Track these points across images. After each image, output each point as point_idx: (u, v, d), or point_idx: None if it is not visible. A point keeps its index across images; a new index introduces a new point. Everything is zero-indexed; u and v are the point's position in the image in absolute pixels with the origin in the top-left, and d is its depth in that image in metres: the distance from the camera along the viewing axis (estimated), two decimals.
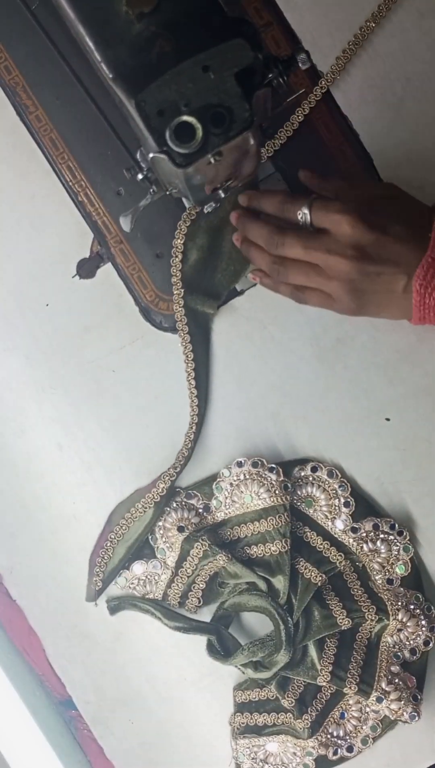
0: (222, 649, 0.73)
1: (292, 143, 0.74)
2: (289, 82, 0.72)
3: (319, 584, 0.71)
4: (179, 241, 0.72)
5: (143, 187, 0.62)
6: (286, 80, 0.54)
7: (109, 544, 0.74)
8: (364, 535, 0.73)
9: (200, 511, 0.74)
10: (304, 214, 0.66)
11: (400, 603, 0.72)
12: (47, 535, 0.76)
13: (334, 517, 0.73)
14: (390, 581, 0.73)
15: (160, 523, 0.74)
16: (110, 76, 0.54)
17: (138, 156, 0.60)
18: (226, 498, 0.73)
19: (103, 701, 0.76)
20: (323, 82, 0.73)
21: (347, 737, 0.73)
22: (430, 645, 0.72)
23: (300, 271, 0.67)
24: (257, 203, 0.70)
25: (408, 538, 0.73)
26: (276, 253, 0.68)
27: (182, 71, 0.51)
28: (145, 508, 0.73)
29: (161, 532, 0.74)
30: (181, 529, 0.72)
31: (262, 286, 0.72)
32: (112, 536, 0.74)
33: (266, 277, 0.71)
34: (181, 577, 0.73)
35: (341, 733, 0.73)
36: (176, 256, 0.72)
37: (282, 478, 0.72)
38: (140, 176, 0.60)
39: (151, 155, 0.53)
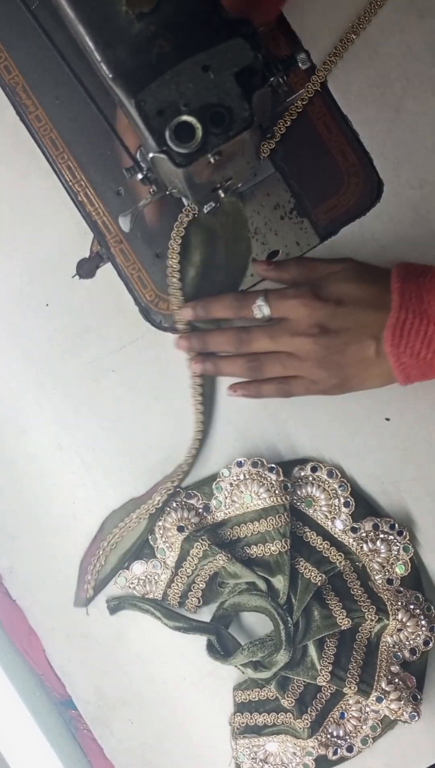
0: (222, 649, 0.73)
1: (292, 143, 0.74)
2: (289, 82, 0.72)
3: (319, 584, 0.71)
4: (175, 243, 0.72)
5: (143, 186, 0.62)
6: (285, 80, 0.54)
7: (101, 552, 0.74)
8: (364, 535, 0.73)
9: (200, 510, 0.74)
10: (259, 306, 0.68)
11: (399, 603, 0.72)
12: (47, 535, 0.76)
13: (334, 517, 0.73)
14: (390, 581, 0.73)
15: (160, 523, 0.74)
16: (110, 76, 0.54)
17: (138, 156, 0.60)
18: (226, 498, 0.73)
19: (103, 701, 0.76)
20: (317, 76, 0.73)
21: (347, 737, 0.73)
22: (430, 645, 0.72)
23: (275, 361, 0.69)
24: (205, 311, 0.71)
25: (408, 538, 0.73)
26: (245, 350, 0.69)
27: (182, 71, 0.51)
28: (140, 518, 0.73)
29: (161, 531, 0.74)
30: (180, 529, 0.72)
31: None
32: (105, 545, 0.74)
33: (243, 388, 0.72)
34: (181, 577, 0.73)
35: (341, 733, 0.73)
36: (172, 258, 0.72)
37: (282, 478, 0.72)
38: (140, 176, 0.60)
39: (150, 155, 0.53)
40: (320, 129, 0.75)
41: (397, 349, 0.64)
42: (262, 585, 0.72)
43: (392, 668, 0.71)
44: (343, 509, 0.73)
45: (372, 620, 0.72)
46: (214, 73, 0.51)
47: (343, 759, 0.73)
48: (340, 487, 0.73)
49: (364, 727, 0.73)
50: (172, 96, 0.51)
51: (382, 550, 0.72)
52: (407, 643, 0.72)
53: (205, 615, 0.75)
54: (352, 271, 0.69)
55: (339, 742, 0.73)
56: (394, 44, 0.74)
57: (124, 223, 0.66)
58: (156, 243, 0.75)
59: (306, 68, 0.57)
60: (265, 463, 0.73)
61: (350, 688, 0.70)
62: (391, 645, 0.72)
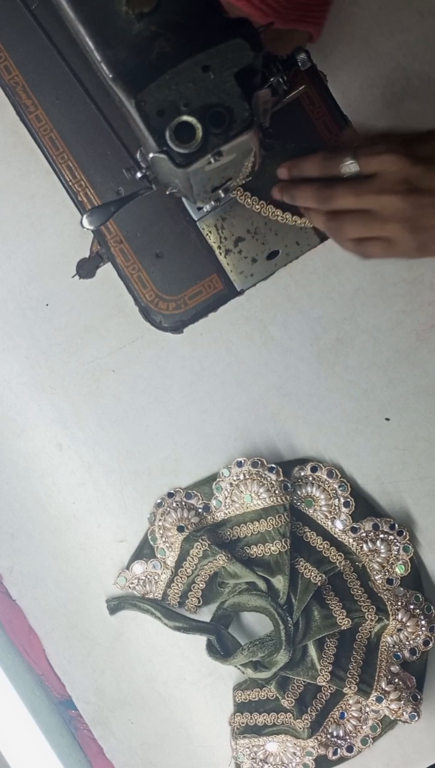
0: (222, 649, 0.73)
1: (292, 143, 0.73)
2: (289, 82, 0.72)
3: (319, 584, 0.71)
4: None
5: (143, 186, 0.61)
6: (285, 80, 0.54)
7: None
8: (364, 535, 0.73)
9: (200, 510, 0.74)
10: (349, 164, 0.65)
11: (399, 603, 0.72)
12: (47, 535, 0.76)
13: (334, 517, 0.73)
14: (390, 581, 0.73)
15: (160, 523, 0.74)
16: (110, 76, 0.53)
17: (138, 156, 0.60)
18: (226, 498, 0.73)
19: (103, 701, 0.76)
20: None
21: (347, 737, 0.73)
22: (430, 645, 0.72)
23: (356, 220, 0.66)
24: (298, 170, 0.69)
25: (408, 537, 0.73)
26: (328, 208, 0.67)
27: (182, 71, 0.51)
28: None
29: (161, 531, 0.74)
30: (180, 529, 0.72)
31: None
32: None
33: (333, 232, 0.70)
34: (181, 577, 0.73)
35: (341, 733, 0.73)
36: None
37: (282, 478, 0.72)
38: (139, 175, 0.60)
39: (150, 155, 0.53)
40: (320, 129, 0.75)
41: None
42: (262, 585, 0.72)
43: (392, 668, 0.71)
44: (343, 509, 0.73)
45: (372, 620, 0.72)
46: (215, 73, 0.51)
47: (343, 759, 0.73)
48: (340, 487, 0.73)
49: (364, 727, 0.73)
50: (173, 96, 0.51)
51: (382, 550, 0.72)
52: (407, 643, 0.72)
53: (205, 615, 0.75)
54: None
55: (339, 742, 0.73)
56: (394, 44, 0.74)
57: (89, 222, 0.65)
58: (156, 243, 0.75)
59: (306, 68, 0.56)
60: (265, 463, 0.73)
61: (350, 688, 0.70)
62: (391, 645, 0.72)
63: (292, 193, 0.70)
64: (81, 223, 0.65)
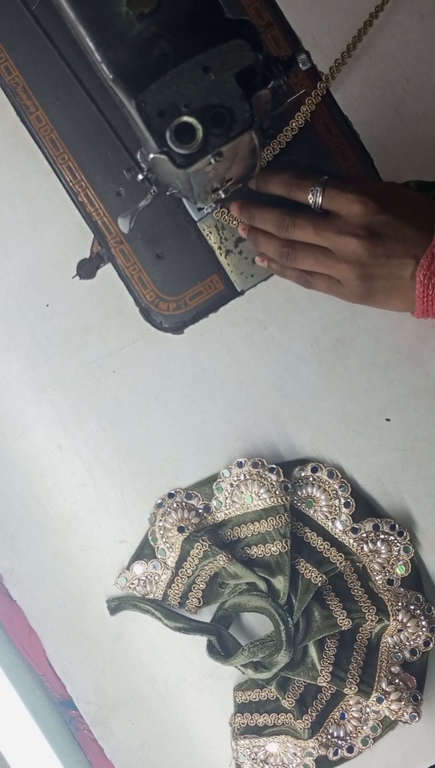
0: (222, 649, 0.73)
1: (292, 143, 0.74)
2: (290, 83, 0.72)
3: (320, 585, 0.71)
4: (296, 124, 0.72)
5: (143, 187, 0.61)
6: (286, 81, 0.54)
7: None
8: (365, 535, 0.73)
9: (200, 511, 0.74)
10: (316, 191, 0.66)
11: (400, 603, 0.72)
12: (47, 535, 0.76)
13: (335, 518, 0.73)
14: (390, 582, 0.73)
15: (161, 524, 0.74)
16: (110, 76, 0.53)
17: (138, 156, 0.60)
18: (227, 498, 0.73)
19: (103, 701, 0.76)
20: (322, 84, 0.73)
21: (347, 738, 0.73)
22: (431, 645, 0.72)
23: (310, 254, 0.67)
24: (265, 182, 0.69)
25: (408, 538, 0.73)
26: (285, 236, 0.67)
27: (183, 72, 0.50)
28: None
29: (161, 532, 0.74)
30: (181, 530, 0.72)
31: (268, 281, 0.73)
32: None
33: (272, 262, 0.71)
34: (182, 578, 0.73)
35: (341, 734, 0.73)
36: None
37: (282, 478, 0.72)
38: (140, 177, 0.60)
39: (151, 156, 0.53)
40: (320, 129, 0.75)
41: (429, 280, 0.63)
42: (262, 585, 0.72)
43: (393, 669, 0.71)
44: (344, 510, 0.73)
45: (372, 621, 0.72)
46: (215, 73, 0.51)
47: (343, 759, 0.73)
48: (340, 487, 0.73)
49: (364, 728, 0.73)
50: (173, 97, 0.51)
51: (383, 551, 0.72)
52: (408, 643, 0.72)
53: (206, 615, 0.75)
54: (407, 194, 0.67)
55: (339, 742, 0.73)
56: (394, 44, 0.74)
57: (123, 225, 0.66)
58: (156, 244, 0.75)
59: (306, 69, 0.56)
60: (266, 463, 0.73)
61: (351, 688, 0.70)
62: (391, 645, 0.72)
63: (251, 212, 0.70)
64: (118, 226, 0.66)
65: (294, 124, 0.73)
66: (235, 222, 0.73)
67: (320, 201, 0.66)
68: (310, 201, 0.66)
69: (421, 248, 0.63)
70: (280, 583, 0.71)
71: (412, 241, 0.63)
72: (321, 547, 0.73)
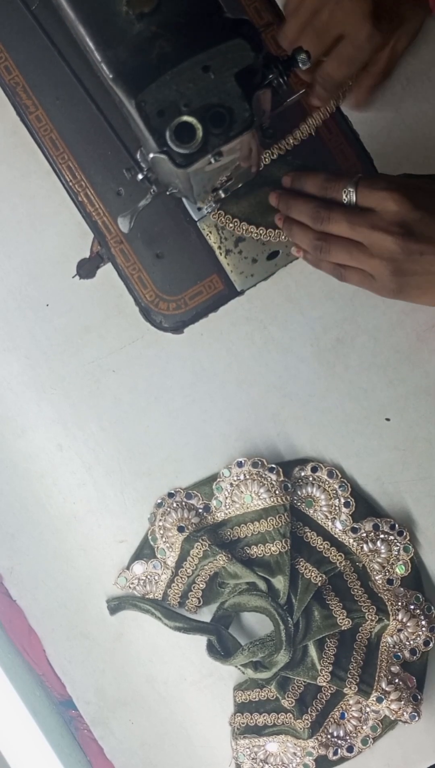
0: (222, 649, 0.73)
1: (299, 159, 0.73)
2: (290, 82, 0.72)
3: (319, 584, 0.71)
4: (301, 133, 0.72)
5: (143, 187, 0.61)
6: (286, 80, 0.54)
7: None
8: (364, 535, 0.73)
9: (200, 511, 0.74)
10: (349, 192, 0.66)
11: (400, 603, 0.72)
12: (47, 535, 0.76)
13: (334, 518, 0.73)
14: (390, 581, 0.73)
15: (160, 523, 0.74)
16: (110, 76, 0.53)
17: (138, 156, 0.60)
18: (227, 498, 0.73)
19: (103, 701, 0.76)
20: (333, 102, 0.73)
21: (347, 737, 0.73)
22: (430, 645, 0.72)
23: (343, 248, 0.67)
24: (300, 183, 0.70)
25: (408, 538, 0.73)
26: (320, 229, 0.67)
27: (182, 71, 0.50)
28: None
29: (161, 532, 0.74)
30: (181, 529, 0.72)
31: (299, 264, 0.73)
32: None
33: (307, 254, 0.71)
34: (181, 577, 0.73)
35: (341, 733, 0.73)
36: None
37: (282, 478, 0.72)
38: (140, 176, 0.60)
39: (151, 155, 0.53)
40: (320, 129, 0.74)
41: None
42: (262, 585, 0.72)
43: (392, 668, 0.71)
44: (344, 509, 0.73)
45: (372, 620, 0.72)
46: (215, 73, 0.51)
47: (343, 759, 0.73)
48: (340, 487, 0.73)
49: (364, 728, 0.73)
50: (173, 96, 0.51)
51: (383, 551, 0.72)
52: (407, 643, 0.72)
53: (206, 615, 0.75)
54: None
55: (339, 742, 0.73)
56: None
57: (124, 224, 0.66)
58: (156, 243, 0.75)
59: (306, 68, 0.56)
60: (266, 463, 0.73)
61: (350, 688, 0.70)
62: (391, 645, 0.72)
63: (289, 203, 0.70)
64: (117, 225, 0.66)
65: (298, 134, 0.72)
66: (231, 225, 0.73)
67: (354, 200, 0.66)
68: (345, 201, 0.67)
69: None
70: (279, 582, 0.71)
71: None
72: (321, 546, 0.73)
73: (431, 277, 0.65)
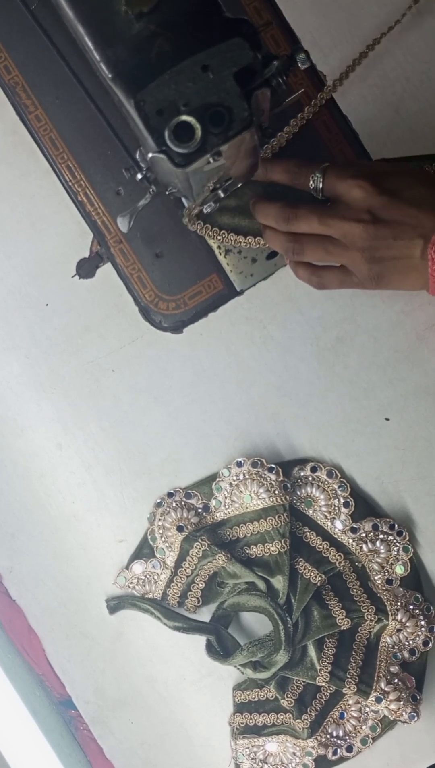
0: (221, 649, 0.73)
1: (291, 143, 0.74)
2: (289, 82, 0.72)
3: (319, 584, 0.71)
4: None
5: (143, 186, 0.62)
6: (285, 80, 0.54)
7: None
8: (364, 535, 0.73)
9: (199, 510, 0.74)
10: (316, 178, 0.66)
11: (399, 603, 0.72)
12: (47, 535, 0.76)
13: (334, 517, 0.73)
14: (389, 581, 0.73)
15: (160, 523, 0.74)
16: (109, 75, 0.53)
17: (137, 156, 0.60)
18: (226, 498, 0.73)
19: (102, 701, 0.76)
20: (333, 84, 0.73)
21: (347, 737, 0.73)
22: (430, 645, 0.72)
23: (317, 244, 0.66)
24: (267, 171, 0.69)
25: (407, 538, 0.73)
26: (289, 229, 0.67)
27: (181, 71, 0.50)
28: None
29: (161, 531, 0.74)
30: (180, 529, 0.72)
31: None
32: None
33: (286, 260, 0.71)
34: (181, 577, 0.73)
35: (341, 733, 0.73)
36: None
37: (281, 478, 0.72)
38: (139, 176, 0.60)
39: (150, 155, 0.53)
40: (320, 129, 0.75)
41: None
42: (261, 585, 0.72)
43: (391, 668, 0.71)
44: (343, 509, 0.73)
45: (371, 620, 0.72)
46: (214, 72, 0.51)
47: (342, 759, 0.73)
48: (339, 487, 0.73)
49: (363, 728, 0.73)
50: (172, 96, 0.51)
51: (382, 551, 0.72)
52: (406, 643, 0.72)
53: (205, 615, 0.75)
54: (411, 173, 0.67)
55: (339, 742, 0.73)
56: (394, 44, 0.74)
57: (123, 224, 0.66)
58: (156, 243, 0.75)
59: (305, 68, 0.56)
60: (265, 463, 0.73)
61: (350, 688, 0.70)
62: (390, 645, 0.72)
63: (256, 207, 0.70)
64: (117, 225, 0.66)
65: (291, 127, 0.73)
66: (219, 237, 0.73)
67: (321, 186, 0.66)
68: (311, 187, 0.66)
69: (429, 227, 0.63)
70: (279, 582, 0.71)
71: (418, 221, 0.63)
72: (320, 546, 0.73)
73: (409, 261, 0.64)
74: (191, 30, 0.52)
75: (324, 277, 0.68)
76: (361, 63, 0.73)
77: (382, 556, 0.73)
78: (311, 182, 0.66)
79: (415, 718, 0.70)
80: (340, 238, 0.65)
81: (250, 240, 0.73)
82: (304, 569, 0.72)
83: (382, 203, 0.63)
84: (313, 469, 0.74)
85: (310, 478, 0.74)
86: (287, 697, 0.71)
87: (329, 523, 0.73)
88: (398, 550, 0.73)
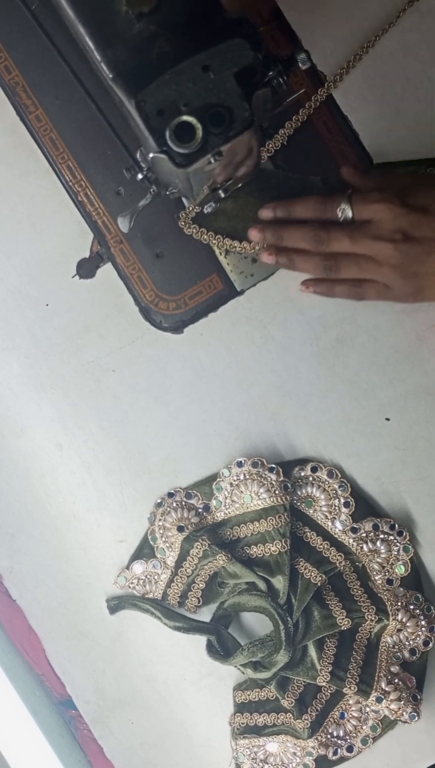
0: (222, 649, 0.73)
1: (292, 143, 0.74)
2: (289, 82, 0.72)
3: (319, 584, 0.71)
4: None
5: (143, 187, 0.62)
6: (285, 80, 0.54)
7: None
8: (364, 535, 0.73)
9: (200, 510, 0.74)
10: (343, 209, 0.67)
11: (399, 603, 0.72)
12: (47, 535, 0.76)
13: (334, 518, 0.73)
14: (390, 581, 0.73)
15: (160, 523, 0.74)
16: (110, 75, 0.54)
17: (138, 156, 0.60)
18: (226, 498, 0.73)
19: (103, 701, 0.76)
20: (326, 86, 0.73)
21: (347, 737, 0.73)
22: (430, 645, 0.72)
23: (352, 263, 0.67)
24: (288, 211, 0.70)
25: (408, 538, 0.73)
26: (323, 250, 0.68)
27: (182, 71, 0.51)
28: None
29: (161, 531, 0.74)
30: (180, 529, 0.72)
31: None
32: None
33: (316, 285, 0.71)
34: (181, 577, 0.73)
35: (341, 733, 0.73)
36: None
37: (282, 478, 0.72)
38: (140, 176, 0.60)
39: (151, 155, 0.53)
40: (320, 129, 0.75)
41: None
42: (262, 585, 0.72)
43: (392, 668, 0.71)
44: (343, 509, 0.73)
45: (372, 620, 0.72)
46: (214, 73, 0.51)
47: (343, 759, 0.73)
48: (340, 487, 0.73)
49: (364, 727, 0.73)
50: (173, 96, 0.51)
51: (382, 551, 0.72)
52: (407, 643, 0.72)
53: (205, 615, 0.75)
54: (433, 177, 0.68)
55: (339, 742, 0.73)
56: (394, 44, 0.74)
57: (123, 224, 0.66)
58: (156, 243, 0.75)
59: (306, 68, 0.57)
60: (266, 463, 0.73)
61: (350, 688, 0.70)
62: (390, 645, 0.72)
63: (280, 233, 0.70)
64: (117, 225, 0.66)
65: (294, 119, 0.73)
66: (214, 241, 0.73)
67: (350, 216, 0.67)
68: (341, 219, 0.67)
69: None
70: (279, 582, 0.71)
71: None
72: (320, 546, 0.73)
73: None
74: (192, 30, 0.52)
75: (364, 288, 0.69)
76: (355, 66, 0.74)
77: (382, 556, 0.73)
78: (340, 214, 0.67)
79: (416, 718, 0.70)
80: (372, 257, 0.65)
81: (244, 245, 0.73)
82: (305, 569, 0.72)
83: (412, 222, 0.64)
84: (314, 469, 0.74)
85: (311, 478, 0.74)
86: (288, 697, 0.71)
87: (330, 523, 0.73)
88: (399, 550, 0.73)
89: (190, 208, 0.69)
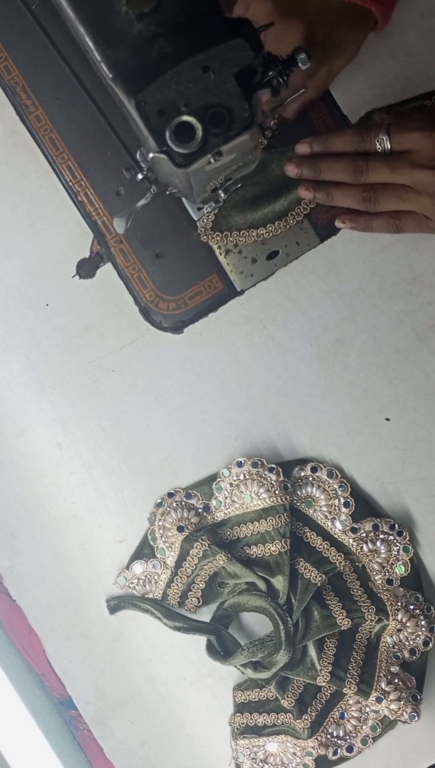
0: (221, 649, 0.73)
1: (292, 143, 0.73)
2: (289, 82, 0.72)
3: (319, 584, 0.71)
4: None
5: (143, 187, 0.62)
6: (285, 80, 0.54)
7: None
8: (364, 535, 0.73)
9: (200, 510, 0.74)
10: (382, 140, 0.67)
11: (399, 603, 0.72)
12: (47, 535, 0.76)
13: (334, 518, 0.73)
14: (390, 581, 0.73)
15: (160, 523, 0.74)
16: (110, 76, 0.53)
17: (138, 156, 0.60)
18: (226, 498, 0.73)
19: (102, 701, 0.76)
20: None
21: (347, 737, 0.73)
22: (430, 645, 0.72)
23: (392, 193, 0.67)
24: (325, 145, 0.69)
25: (408, 538, 0.73)
26: (362, 180, 0.67)
27: (182, 71, 0.50)
28: None
29: (161, 531, 0.74)
30: (180, 529, 0.72)
31: (350, 230, 0.73)
32: None
33: (354, 220, 0.70)
34: (181, 577, 0.74)
35: (341, 733, 0.73)
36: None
37: (282, 478, 0.72)
38: (140, 176, 0.60)
39: (151, 155, 0.53)
40: (320, 129, 0.75)
41: None
42: (261, 585, 0.72)
43: (392, 668, 0.71)
44: (343, 509, 0.73)
45: (372, 620, 0.72)
46: (215, 73, 0.51)
47: (343, 759, 0.73)
48: (340, 487, 0.73)
49: (364, 727, 0.73)
50: (173, 96, 0.51)
51: (382, 551, 0.72)
52: (407, 643, 0.72)
53: (205, 615, 0.75)
54: None
55: (339, 742, 0.73)
56: (394, 44, 0.74)
57: (120, 225, 0.66)
58: (156, 243, 0.75)
59: (306, 68, 0.56)
60: (265, 463, 0.73)
61: (350, 688, 0.70)
62: (390, 645, 0.72)
63: (318, 166, 0.69)
64: (114, 227, 0.66)
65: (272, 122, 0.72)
66: (241, 239, 0.73)
67: (389, 146, 0.67)
68: (380, 150, 0.67)
69: None
70: (279, 582, 0.71)
71: None
72: (320, 546, 0.73)
73: None
74: (192, 30, 0.52)
75: (403, 220, 0.68)
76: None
77: (382, 556, 0.73)
78: (378, 145, 0.67)
79: (416, 718, 0.70)
80: (412, 186, 0.65)
81: (270, 228, 0.73)
82: (305, 569, 0.72)
83: None
84: (314, 469, 0.74)
85: (311, 478, 0.74)
86: (287, 697, 0.71)
87: (329, 523, 0.73)
88: (398, 550, 0.73)
89: (206, 219, 0.69)
